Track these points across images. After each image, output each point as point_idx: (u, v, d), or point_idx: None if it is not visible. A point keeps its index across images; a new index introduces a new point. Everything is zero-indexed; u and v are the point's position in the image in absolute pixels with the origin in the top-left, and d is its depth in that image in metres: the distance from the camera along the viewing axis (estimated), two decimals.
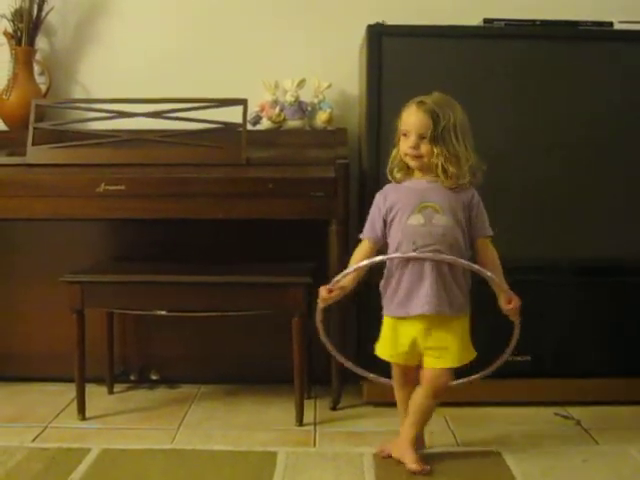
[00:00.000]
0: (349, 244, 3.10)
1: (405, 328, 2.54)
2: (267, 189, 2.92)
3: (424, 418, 2.59)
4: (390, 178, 2.59)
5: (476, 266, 2.46)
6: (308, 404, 3.08)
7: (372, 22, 3.05)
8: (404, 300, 2.52)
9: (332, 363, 3.06)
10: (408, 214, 2.51)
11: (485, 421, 2.82)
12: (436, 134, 2.46)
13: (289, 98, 3.40)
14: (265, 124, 3.42)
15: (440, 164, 2.47)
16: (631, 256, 3.09)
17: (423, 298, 2.48)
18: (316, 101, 3.43)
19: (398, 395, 2.66)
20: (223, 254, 3.27)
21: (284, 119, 3.40)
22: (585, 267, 2.89)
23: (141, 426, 2.95)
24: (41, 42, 3.57)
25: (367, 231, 2.62)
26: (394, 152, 2.59)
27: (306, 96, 3.43)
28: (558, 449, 2.70)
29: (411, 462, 2.52)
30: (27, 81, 3.44)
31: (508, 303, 2.49)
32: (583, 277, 2.83)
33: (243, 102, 3.15)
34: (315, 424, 2.97)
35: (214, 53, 3.55)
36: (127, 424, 2.97)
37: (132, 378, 3.34)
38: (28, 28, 3.41)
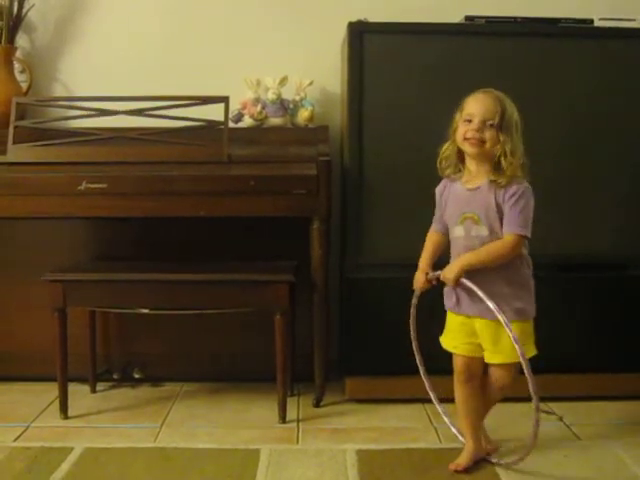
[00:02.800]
0: (331, 241, 3.12)
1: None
2: (249, 187, 2.92)
3: None
4: (440, 173, 2.59)
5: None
6: (291, 401, 3.09)
7: (354, 19, 3.05)
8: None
9: (315, 360, 3.06)
10: (453, 225, 2.54)
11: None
12: (503, 122, 2.46)
13: (271, 96, 3.39)
14: (247, 122, 3.42)
15: (500, 154, 2.45)
16: (614, 252, 3.12)
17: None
18: (298, 99, 3.43)
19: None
20: (205, 252, 3.27)
21: (266, 117, 3.40)
22: (569, 263, 2.90)
23: (124, 424, 2.94)
24: (21, 40, 3.55)
25: (435, 222, 2.66)
26: (446, 145, 2.59)
27: (288, 94, 3.43)
28: (540, 444, 2.70)
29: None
30: (7, 79, 3.42)
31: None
32: (566, 273, 2.84)
33: (225, 100, 3.14)
34: (298, 421, 2.97)
35: (196, 51, 3.54)
36: (110, 423, 2.96)
37: (115, 377, 3.33)
38: (8, 26, 3.39)
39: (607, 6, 3.36)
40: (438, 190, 2.62)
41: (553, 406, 3.08)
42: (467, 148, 2.49)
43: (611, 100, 3.08)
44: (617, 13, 3.18)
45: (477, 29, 3.09)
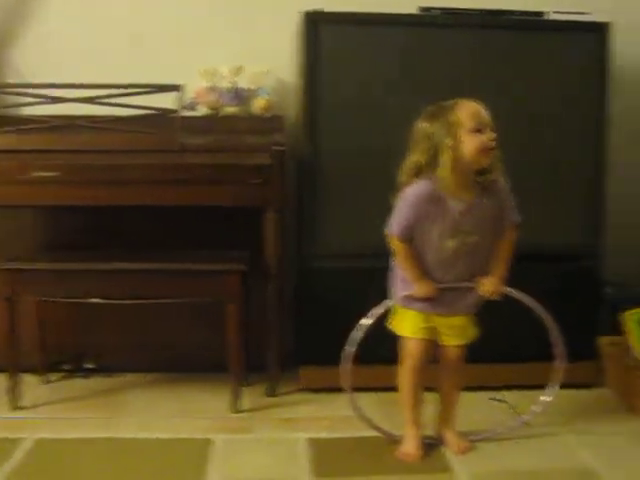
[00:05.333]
0: (285, 231, 3.12)
1: None
2: (202, 175, 2.90)
3: None
4: (431, 190, 2.48)
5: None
6: (245, 391, 3.08)
7: (309, 9, 3.04)
8: None
9: (269, 350, 3.06)
10: (443, 238, 2.52)
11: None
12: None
13: (226, 84, 3.37)
14: (202, 111, 3.39)
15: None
16: (565, 244, 3.18)
17: None
18: (253, 88, 3.41)
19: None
20: (159, 241, 3.23)
21: (221, 105, 3.38)
22: (519, 254, 2.90)
23: (76, 415, 2.92)
24: None
25: (405, 230, 2.54)
26: (417, 159, 2.52)
27: (243, 83, 3.41)
28: (491, 432, 2.74)
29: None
30: None
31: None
32: (517, 264, 2.85)
33: (178, 88, 3.11)
34: (252, 411, 2.97)
35: (151, 38, 3.50)
36: (62, 413, 2.94)
37: (67, 367, 3.30)
38: None
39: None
40: (420, 196, 2.49)
41: (505, 395, 3.12)
42: (485, 160, 2.47)
43: (561, 91, 3.11)
44: (570, 7, 3.20)
45: (432, 20, 3.10)
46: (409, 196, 2.49)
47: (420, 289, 2.54)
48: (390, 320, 2.63)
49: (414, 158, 2.50)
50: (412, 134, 2.53)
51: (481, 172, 2.50)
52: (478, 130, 2.45)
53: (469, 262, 2.57)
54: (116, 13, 3.51)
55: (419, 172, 2.50)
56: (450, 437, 2.65)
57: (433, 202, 2.48)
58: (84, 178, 2.90)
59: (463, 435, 2.66)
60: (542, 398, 2.75)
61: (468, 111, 2.46)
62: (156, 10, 3.52)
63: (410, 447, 2.59)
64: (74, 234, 3.27)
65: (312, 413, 2.95)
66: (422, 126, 2.50)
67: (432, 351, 2.61)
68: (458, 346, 2.62)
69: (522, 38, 3.10)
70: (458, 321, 2.61)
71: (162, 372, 3.34)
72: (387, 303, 2.61)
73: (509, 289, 2.63)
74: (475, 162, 2.46)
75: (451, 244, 2.51)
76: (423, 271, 2.55)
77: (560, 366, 2.71)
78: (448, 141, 2.44)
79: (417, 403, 2.63)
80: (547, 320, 2.66)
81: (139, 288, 2.91)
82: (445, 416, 2.68)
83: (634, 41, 3.50)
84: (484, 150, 2.45)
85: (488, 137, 2.45)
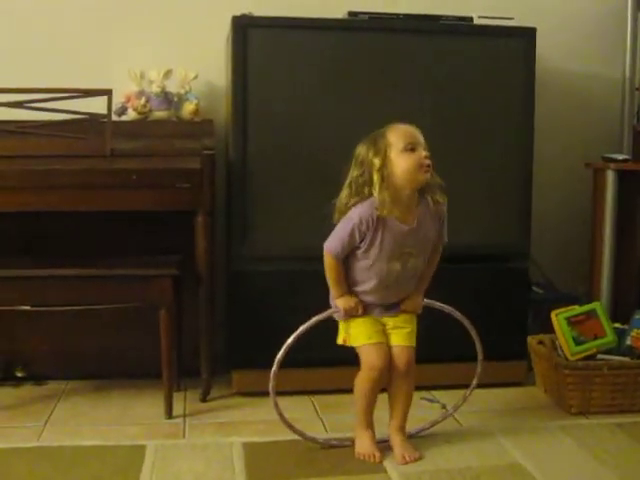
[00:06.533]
0: (215, 235, 3.12)
1: None
2: (131, 180, 2.88)
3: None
4: (379, 213, 2.49)
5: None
6: (178, 396, 3.07)
7: (238, 13, 3.05)
8: None
9: (201, 354, 3.05)
10: (387, 259, 2.53)
11: (352, 407, 2.86)
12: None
13: (155, 89, 3.36)
14: (131, 115, 3.37)
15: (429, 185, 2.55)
16: (494, 244, 3.24)
17: None
18: (183, 92, 3.41)
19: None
20: (88, 247, 3.20)
21: (150, 110, 3.36)
22: (451, 255, 2.95)
23: (6, 425, 2.87)
24: None
25: (341, 249, 2.55)
26: (348, 192, 2.55)
27: (172, 87, 3.41)
28: (424, 432, 2.78)
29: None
30: None
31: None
32: (448, 264, 2.89)
33: (108, 92, 3.08)
34: (185, 416, 2.96)
35: (79, 42, 3.47)
36: None
37: None
38: None
39: (486, 5, 3.46)
40: (364, 221, 2.49)
41: (437, 394, 3.15)
42: (419, 177, 2.49)
43: (489, 95, 3.17)
44: (495, 12, 3.27)
45: (360, 24, 3.13)
46: (351, 218, 2.52)
47: (343, 303, 2.58)
48: (340, 337, 2.65)
49: (349, 181, 2.55)
50: (351, 158, 2.57)
51: (424, 191, 2.54)
52: (411, 149, 2.48)
53: (410, 284, 2.63)
54: (44, 17, 3.48)
55: (358, 193, 2.53)
56: (397, 446, 2.62)
57: (377, 223, 2.50)
58: (12, 184, 2.86)
59: (411, 444, 2.65)
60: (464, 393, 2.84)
61: (398, 133, 2.50)
62: (85, 13, 3.49)
63: (369, 447, 2.60)
64: (1, 240, 3.21)
65: (246, 417, 2.95)
66: (357, 151, 2.55)
67: (389, 356, 2.61)
68: (409, 347, 2.63)
69: (450, 43, 3.15)
70: (404, 319, 2.64)
71: (94, 379, 3.31)
72: (330, 313, 2.64)
73: (429, 301, 2.70)
74: (411, 180, 2.49)
75: (397, 266, 2.55)
76: (358, 293, 2.60)
77: (480, 360, 2.80)
78: (376, 162, 2.48)
79: (372, 408, 2.65)
80: (465, 322, 2.77)
81: (70, 294, 2.87)
82: (396, 422, 2.66)
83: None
84: (419, 167, 2.47)
85: (420, 155, 2.48)
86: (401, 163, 2.47)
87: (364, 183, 2.51)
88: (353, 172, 2.54)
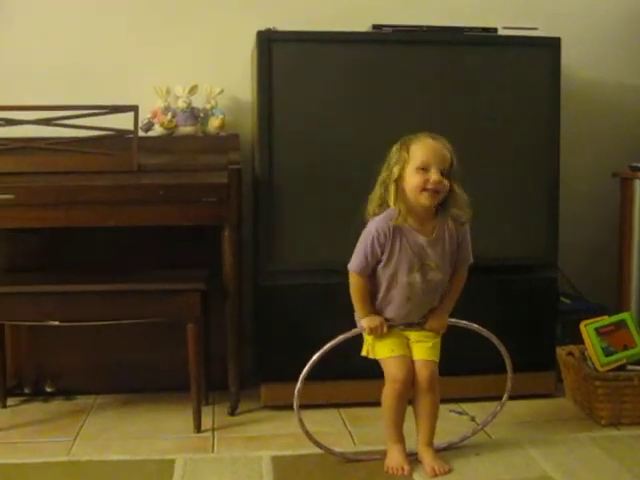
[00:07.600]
0: (242, 249, 3.12)
1: None
2: (158, 195, 2.90)
3: None
4: (389, 225, 2.51)
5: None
6: (206, 410, 3.08)
7: (263, 28, 3.07)
8: None
9: (230, 368, 3.06)
10: (408, 272, 2.54)
11: (380, 420, 2.85)
12: (451, 169, 2.49)
13: (181, 104, 3.38)
14: (157, 130, 3.39)
15: (450, 203, 2.53)
16: (521, 255, 3.22)
17: None
18: (208, 107, 3.43)
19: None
20: (117, 262, 3.24)
21: (176, 125, 3.38)
22: (478, 266, 2.94)
23: (36, 439, 2.89)
24: None
25: (364, 267, 2.57)
26: (380, 191, 2.55)
27: (198, 102, 3.43)
28: (452, 443, 2.76)
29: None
30: None
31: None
32: (475, 275, 2.88)
33: (134, 108, 3.11)
34: (213, 430, 2.96)
35: (105, 59, 3.50)
36: (22, 438, 2.90)
37: (26, 391, 3.26)
38: None
39: (510, 15, 3.45)
40: (381, 232, 2.51)
41: (465, 407, 3.14)
42: (424, 200, 2.48)
43: (515, 106, 3.16)
44: (520, 22, 3.26)
45: (384, 37, 3.13)
46: (369, 231, 2.53)
47: (368, 323, 2.58)
48: (364, 349, 2.65)
49: (377, 188, 2.56)
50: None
51: (445, 206, 2.54)
52: (423, 169, 2.46)
53: (432, 300, 2.64)
54: (72, 35, 3.50)
55: (382, 203, 2.54)
56: (427, 459, 2.60)
57: (394, 233, 2.51)
58: (41, 200, 2.89)
59: (441, 457, 2.63)
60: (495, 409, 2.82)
61: (419, 147, 2.49)
62: (112, 31, 3.52)
63: (400, 461, 2.58)
64: (32, 256, 3.25)
65: (275, 430, 2.95)
66: (391, 151, 2.55)
67: (412, 369, 2.60)
68: (430, 361, 2.61)
69: (475, 54, 3.14)
70: (427, 333, 2.64)
71: (123, 393, 3.33)
72: (355, 332, 2.64)
73: (454, 320, 2.69)
74: (415, 201, 2.49)
75: (417, 278, 2.54)
76: (381, 308, 2.61)
77: (509, 377, 2.77)
78: (395, 171, 2.49)
79: (401, 422, 2.63)
80: (493, 339, 2.73)
81: (98, 309, 2.89)
82: (424, 437, 2.64)
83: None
84: (424, 190, 2.46)
85: (428, 177, 2.45)
86: (411, 181, 2.48)
87: (387, 188, 2.53)
88: (383, 172, 2.55)
